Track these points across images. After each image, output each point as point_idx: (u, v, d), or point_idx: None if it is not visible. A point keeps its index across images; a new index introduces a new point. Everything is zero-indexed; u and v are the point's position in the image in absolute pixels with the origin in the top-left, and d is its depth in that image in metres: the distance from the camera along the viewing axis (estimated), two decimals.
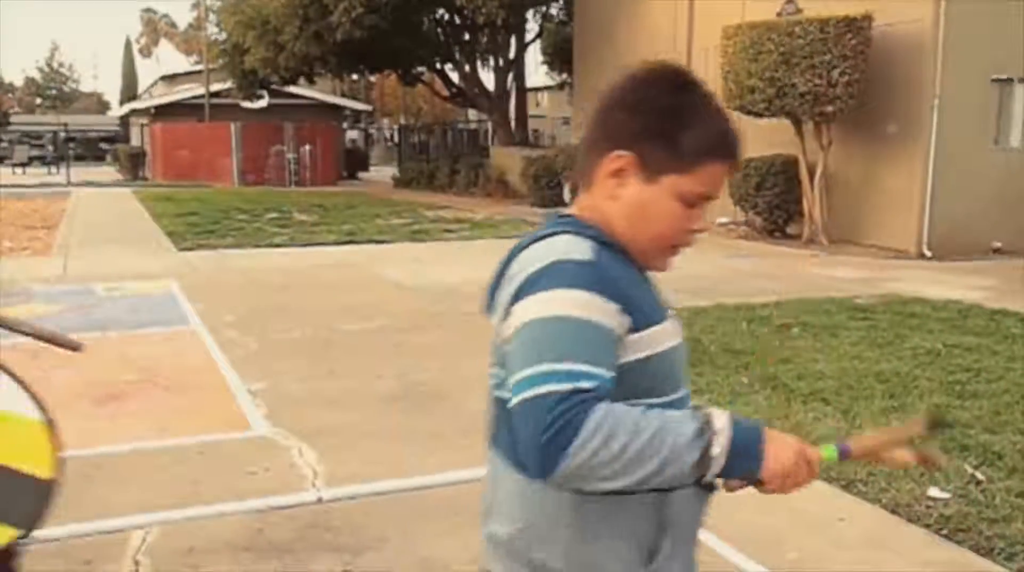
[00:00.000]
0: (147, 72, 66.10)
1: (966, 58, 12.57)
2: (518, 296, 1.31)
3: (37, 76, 79.13)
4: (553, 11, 27.44)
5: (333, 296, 9.22)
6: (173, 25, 75.22)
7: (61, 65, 79.93)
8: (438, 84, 29.78)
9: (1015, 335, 7.25)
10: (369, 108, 43.25)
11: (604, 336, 1.27)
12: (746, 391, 5.64)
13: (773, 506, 3.98)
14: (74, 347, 1.55)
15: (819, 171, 13.55)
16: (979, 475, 4.21)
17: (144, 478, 4.24)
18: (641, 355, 1.33)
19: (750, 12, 14.29)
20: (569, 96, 26.62)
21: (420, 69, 28.92)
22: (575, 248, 1.32)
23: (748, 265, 11.76)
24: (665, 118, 1.37)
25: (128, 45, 71.75)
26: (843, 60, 12.49)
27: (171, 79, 41.78)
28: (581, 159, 1.45)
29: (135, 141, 39.04)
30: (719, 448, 1.22)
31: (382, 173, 35.51)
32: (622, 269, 1.36)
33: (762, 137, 14.56)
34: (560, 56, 26.96)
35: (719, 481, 1.30)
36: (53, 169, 37.55)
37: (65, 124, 43.24)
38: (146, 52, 74.96)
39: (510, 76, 27.34)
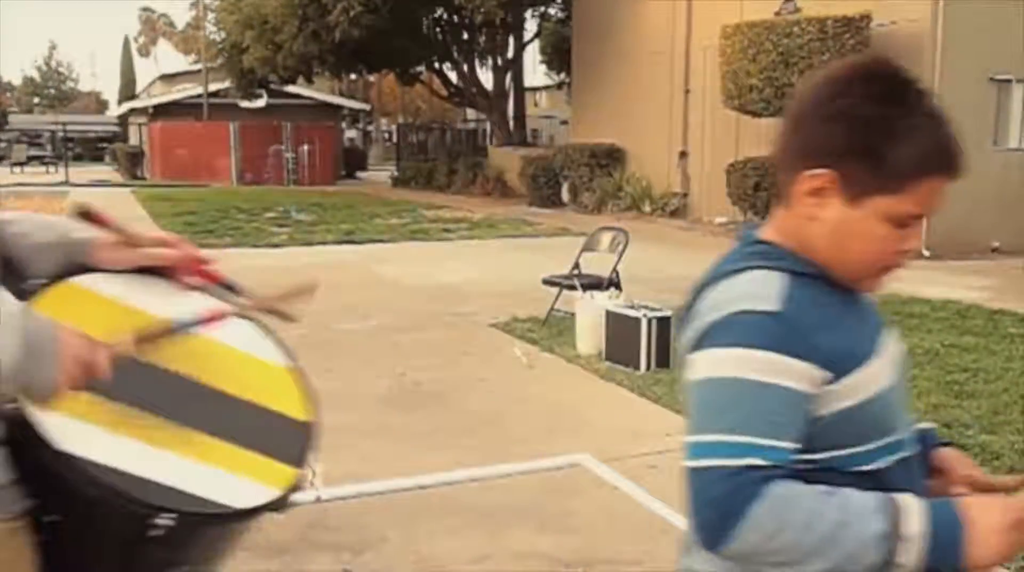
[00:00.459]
0: (145, 71, 66.09)
1: (965, 58, 12.57)
2: (699, 344, 1.21)
3: (35, 75, 79.06)
4: (552, 11, 27.44)
5: (331, 295, 9.21)
6: (171, 24, 75.15)
7: (59, 64, 79.85)
8: (436, 84, 29.77)
9: (1013, 335, 7.26)
10: (367, 107, 43.21)
11: (787, 401, 1.13)
12: None
13: None
14: (291, 319, 1.59)
15: None
16: None
17: None
18: (846, 404, 1.18)
19: (748, 11, 14.29)
20: (567, 96, 26.60)
21: (418, 68, 28.92)
22: (761, 291, 1.18)
23: None
24: (870, 131, 1.18)
25: (126, 44, 71.65)
26: (842, 60, 12.49)
27: (170, 78, 41.79)
28: (777, 172, 1.29)
29: (133, 141, 39.04)
30: (910, 557, 1.07)
31: (380, 173, 35.50)
32: (820, 307, 1.21)
33: (761, 137, 14.55)
34: (559, 56, 26.96)
35: None
36: (51, 168, 37.55)
37: (63, 124, 43.19)
38: (144, 51, 74.87)
39: (508, 76, 27.35)
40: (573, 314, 7.05)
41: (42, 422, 1.20)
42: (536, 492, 4.17)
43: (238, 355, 1.49)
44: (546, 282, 7.60)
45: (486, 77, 27.80)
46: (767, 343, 1.14)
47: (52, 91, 78.75)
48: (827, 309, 1.22)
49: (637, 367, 6.14)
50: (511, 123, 27.26)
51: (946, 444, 1.43)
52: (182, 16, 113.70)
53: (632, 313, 6.26)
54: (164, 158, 32.23)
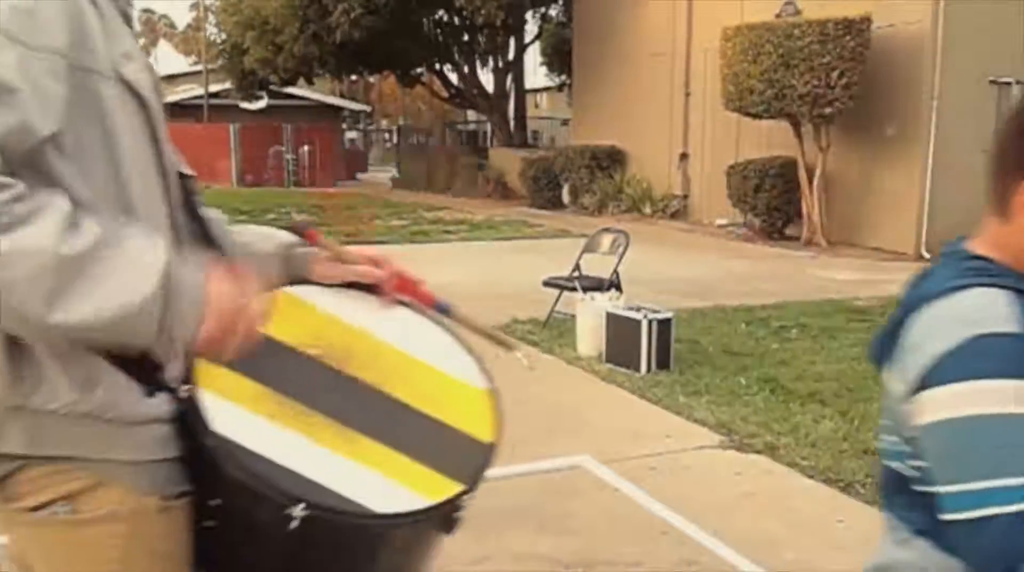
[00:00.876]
0: None
1: (965, 60, 12.58)
2: (926, 383, 1.10)
3: None
4: (552, 12, 27.44)
5: None
6: (172, 25, 75.19)
7: None
8: (437, 85, 29.77)
9: None
10: (368, 109, 43.25)
11: None
12: (745, 393, 5.64)
13: (771, 509, 3.99)
14: (509, 347, 1.64)
15: (818, 173, 13.56)
16: None
17: None
18: None
19: (749, 13, 14.30)
20: (568, 97, 26.60)
21: (419, 70, 28.92)
22: (992, 312, 1.09)
23: (747, 267, 11.76)
24: None
25: None
26: (842, 62, 12.50)
27: (170, 79, 41.76)
28: (991, 182, 1.21)
29: None
30: None
31: (381, 174, 35.50)
32: None
33: (761, 139, 14.59)
34: (559, 57, 26.96)
35: None
36: None
37: None
38: (145, 52, 74.85)
39: (509, 77, 27.35)
40: (573, 316, 7.05)
41: (207, 405, 1.24)
42: (536, 493, 4.17)
43: (430, 371, 1.51)
44: (546, 284, 7.60)
45: (487, 79, 27.82)
46: (1014, 370, 1.05)
47: None
48: None
49: (637, 369, 6.14)
50: (512, 125, 27.27)
51: None
52: (182, 17, 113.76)
53: (633, 315, 6.26)
54: None
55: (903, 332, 1.16)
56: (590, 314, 6.66)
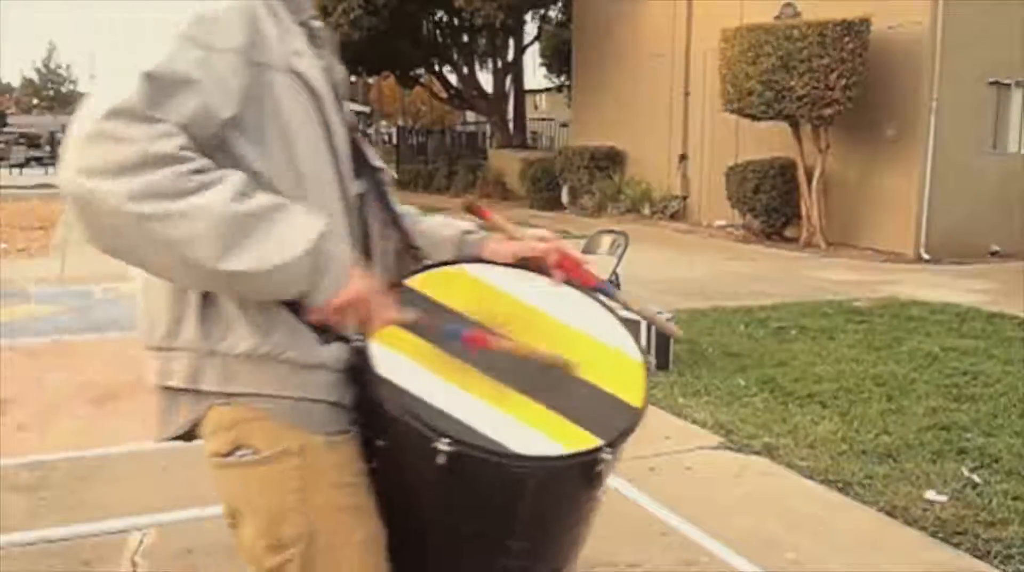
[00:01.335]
0: None
1: (964, 61, 12.60)
2: None
3: (34, 77, 79.07)
4: (552, 13, 27.45)
5: None
6: None
7: (58, 66, 79.89)
8: (436, 86, 29.78)
9: (1012, 338, 7.27)
10: (367, 110, 43.20)
11: None
12: (744, 393, 5.64)
13: (770, 509, 3.99)
14: (672, 334, 1.78)
15: (817, 174, 13.57)
16: (976, 478, 4.22)
17: (142, 479, 4.23)
18: None
19: (748, 14, 14.31)
20: (568, 98, 26.60)
21: (418, 71, 28.94)
22: None
23: (746, 268, 11.77)
24: None
25: None
26: (841, 63, 12.51)
27: None
28: None
29: None
30: None
31: None
32: None
33: (760, 140, 14.59)
34: (559, 58, 26.98)
35: None
36: (51, 170, 37.53)
37: (63, 125, 43.18)
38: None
39: (508, 78, 27.37)
40: None
41: (375, 353, 1.42)
42: None
43: (586, 340, 1.61)
44: None
45: (486, 80, 27.83)
46: None
47: (51, 92, 78.76)
48: None
49: None
50: (511, 126, 27.28)
51: None
52: None
53: (631, 316, 6.25)
54: None
55: None
56: None
